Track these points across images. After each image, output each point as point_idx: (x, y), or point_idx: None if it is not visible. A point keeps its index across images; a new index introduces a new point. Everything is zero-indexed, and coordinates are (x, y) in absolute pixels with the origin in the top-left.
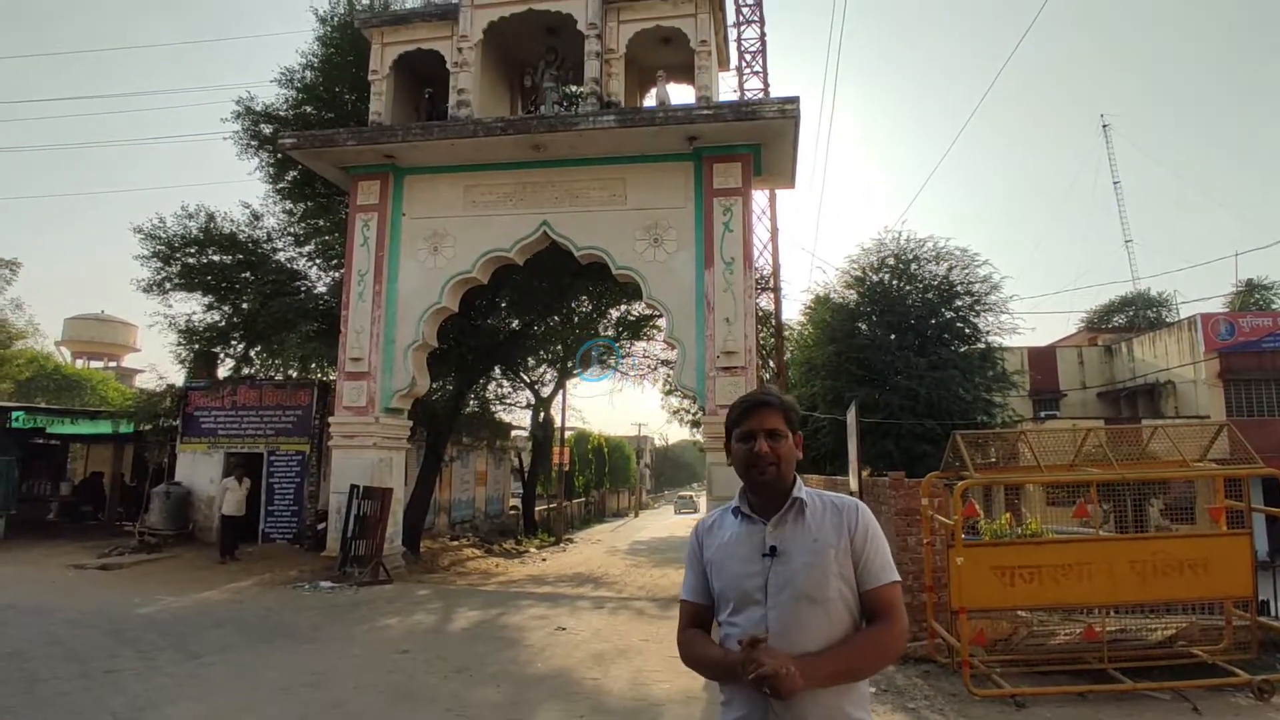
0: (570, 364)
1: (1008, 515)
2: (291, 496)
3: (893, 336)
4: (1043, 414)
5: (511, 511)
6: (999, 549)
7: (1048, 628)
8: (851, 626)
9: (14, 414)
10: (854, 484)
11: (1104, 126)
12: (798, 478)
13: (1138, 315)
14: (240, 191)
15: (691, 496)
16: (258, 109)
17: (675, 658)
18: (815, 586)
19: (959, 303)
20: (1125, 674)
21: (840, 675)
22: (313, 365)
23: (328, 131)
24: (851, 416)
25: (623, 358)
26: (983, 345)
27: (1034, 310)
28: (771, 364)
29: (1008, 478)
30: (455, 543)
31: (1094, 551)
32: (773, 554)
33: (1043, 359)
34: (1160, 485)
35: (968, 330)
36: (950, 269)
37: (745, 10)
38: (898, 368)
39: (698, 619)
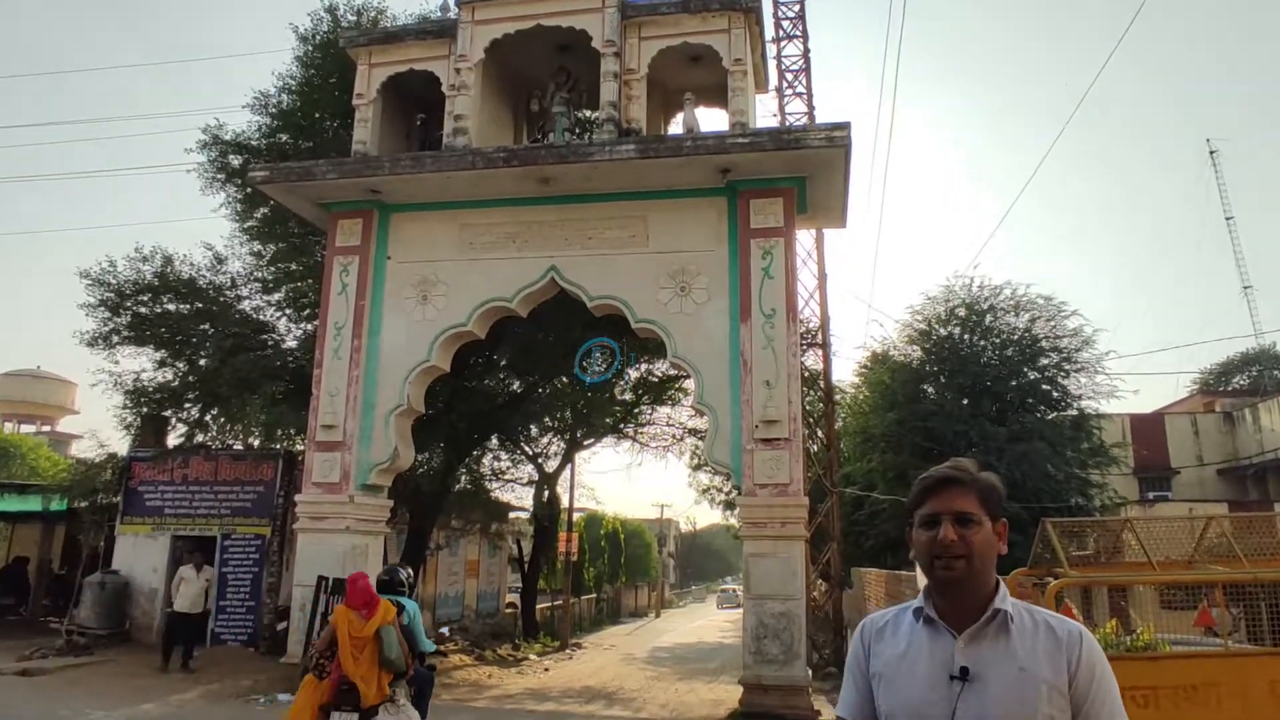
0: (580, 433)
1: (1114, 622)
2: (248, 589)
3: (965, 401)
4: (1150, 495)
5: (508, 610)
6: None
7: None
8: None
9: None
10: (922, 581)
11: (1211, 154)
12: (1000, 582)
13: (1263, 375)
14: (203, 231)
15: (734, 590)
16: (226, 138)
17: None
18: None
19: (1044, 361)
20: None
21: None
22: (278, 433)
23: (305, 163)
24: None
25: (641, 426)
26: (1074, 412)
27: (1135, 370)
28: (820, 434)
29: (1111, 576)
30: (440, 647)
31: (1224, 669)
32: (964, 677)
33: (1149, 428)
34: None
35: (1055, 394)
36: (1033, 321)
37: (786, 24)
38: (972, 439)
39: None
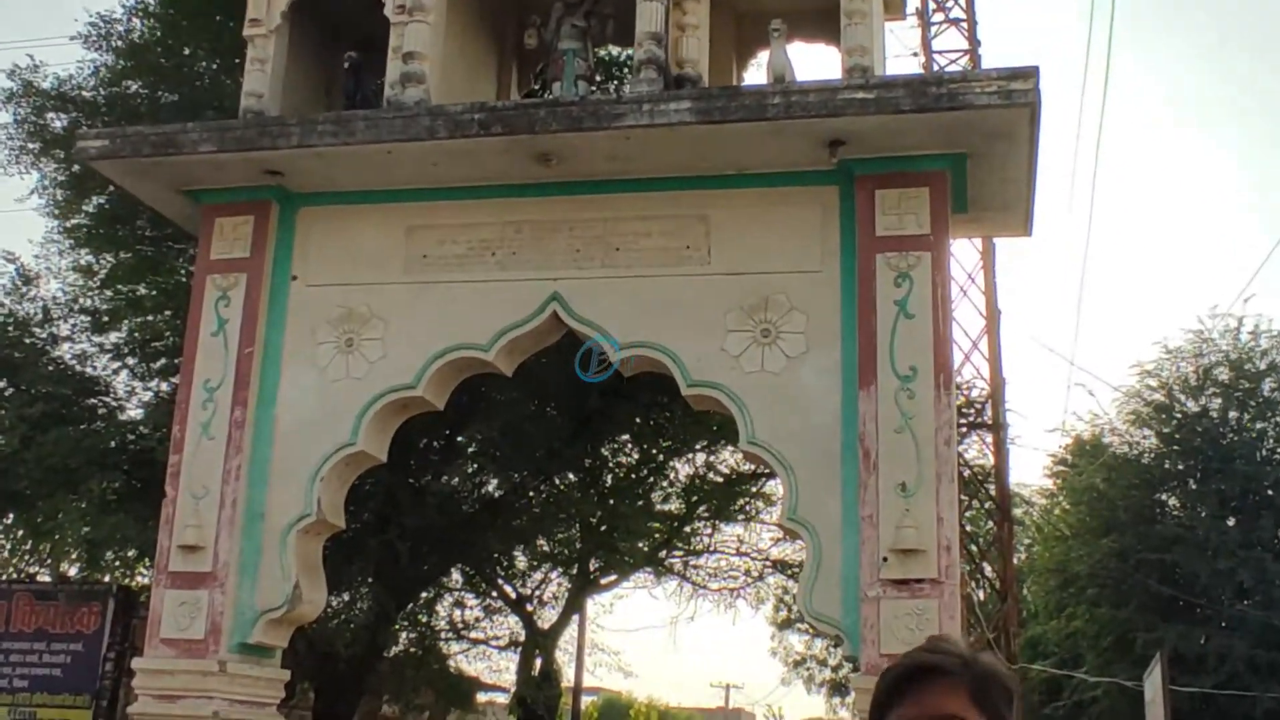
0: (595, 565)
1: None
2: None
3: (1232, 522)
4: None
5: None
6: None
7: None
8: None
9: None
10: None
11: None
12: None
13: None
14: (1, 233)
15: None
16: (45, 86)
17: None
18: None
19: None
20: None
21: None
22: (109, 556)
23: (166, 128)
24: (1154, 682)
25: (695, 555)
26: None
27: None
28: (989, 572)
29: None
30: None
31: None
32: None
33: None
34: None
35: None
36: None
37: None
38: (1241, 582)
39: None
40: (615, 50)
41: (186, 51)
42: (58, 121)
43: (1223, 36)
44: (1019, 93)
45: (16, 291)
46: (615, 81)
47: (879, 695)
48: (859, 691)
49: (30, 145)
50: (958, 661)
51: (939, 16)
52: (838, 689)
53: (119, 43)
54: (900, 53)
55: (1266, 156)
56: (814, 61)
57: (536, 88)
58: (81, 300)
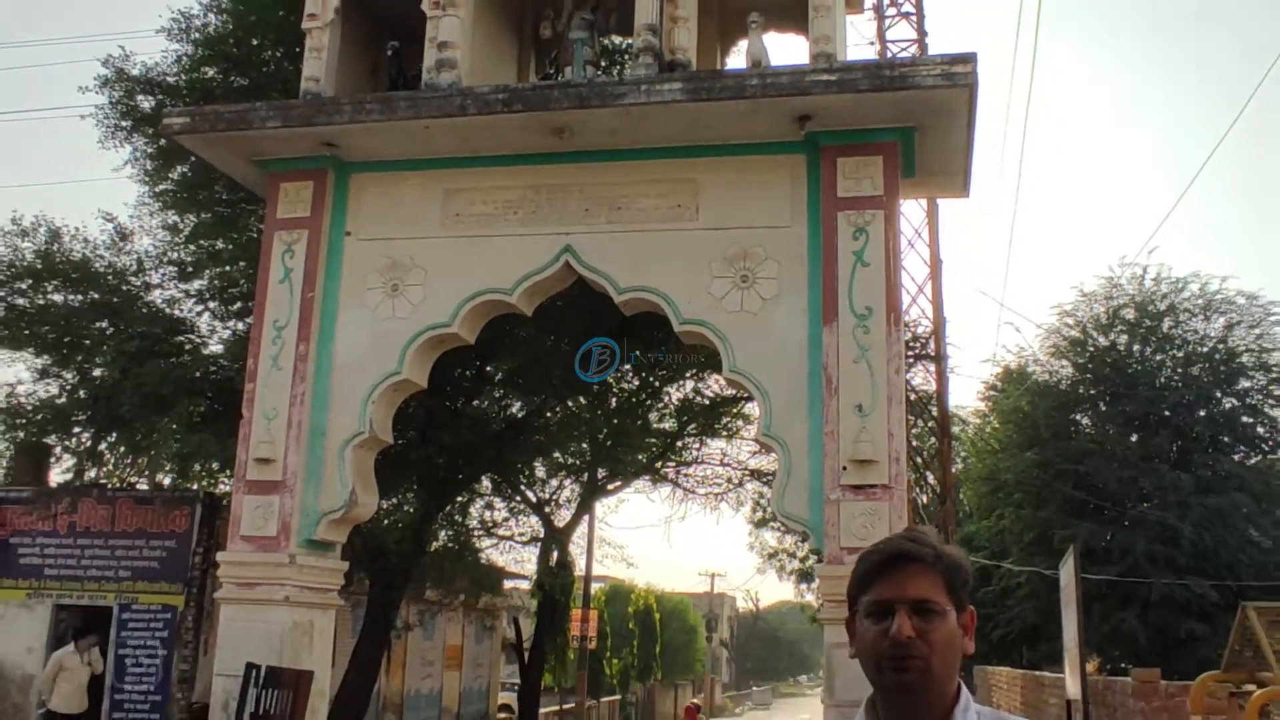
0: (602, 474)
1: None
2: (154, 679)
3: (1134, 437)
4: None
5: (501, 714)
6: None
7: None
8: None
9: None
10: (1072, 686)
11: None
12: (962, 687)
13: None
14: (101, 197)
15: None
16: (134, 72)
17: None
18: None
19: (1246, 383)
20: None
21: None
22: (196, 468)
23: (238, 106)
24: (1068, 571)
25: (685, 465)
26: None
27: None
28: (932, 479)
29: None
30: None
31: None
32: None
33: None
34: None
35: (1262, 429)
36: (1230, 328)
37: None
38: (1143, 489)
39: None
40: (618, 39)
41: (254, 42)
42: (146, 103)
43: (1141, 23)
44: (959, 75)
45: (115, 246)
46: (617, 66)
47: (859, 574)
48: (823, 578)
49: (123, 124)
50: (931, 552)
51: (892, 10)
52: (805, 577)
53: (197, 35)
54: (858, 42)
55: (1172, 127)
56: (786, 49)
57: (551, 71)
58: (169, 254)
